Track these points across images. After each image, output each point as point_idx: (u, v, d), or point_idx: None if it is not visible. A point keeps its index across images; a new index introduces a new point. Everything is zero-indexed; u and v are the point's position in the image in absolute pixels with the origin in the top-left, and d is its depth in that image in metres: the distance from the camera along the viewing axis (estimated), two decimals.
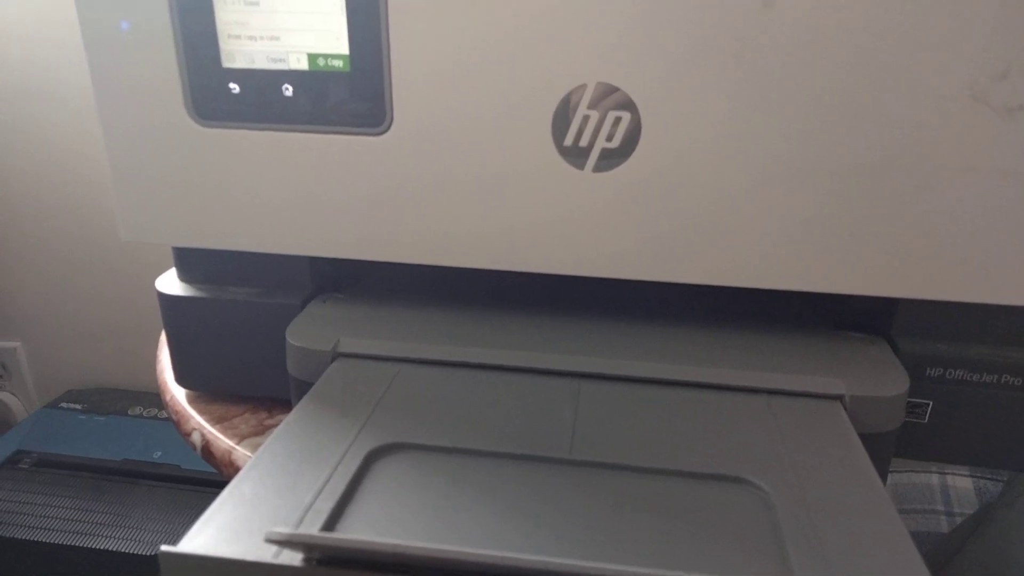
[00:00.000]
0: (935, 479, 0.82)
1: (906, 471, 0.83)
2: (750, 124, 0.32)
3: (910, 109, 0.31)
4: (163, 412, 1.11)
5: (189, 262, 0.41)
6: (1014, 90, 0.30)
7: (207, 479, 0.98)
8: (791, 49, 0.30)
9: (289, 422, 0.29)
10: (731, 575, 0.22)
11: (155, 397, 1.17)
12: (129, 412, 1.14)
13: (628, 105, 0.32)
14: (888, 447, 0.34)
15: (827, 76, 0.31)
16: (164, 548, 0.20)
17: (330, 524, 0.24)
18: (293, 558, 0.21)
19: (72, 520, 0.92)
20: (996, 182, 0.31)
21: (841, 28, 0.30)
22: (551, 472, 0.27)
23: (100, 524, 0.92)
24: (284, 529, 0.20)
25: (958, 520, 0.73)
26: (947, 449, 0.38)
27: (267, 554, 0.21)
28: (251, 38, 0.33)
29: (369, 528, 0.23)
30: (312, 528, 0.23)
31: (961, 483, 0.81)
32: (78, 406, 1.16)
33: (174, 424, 0.43)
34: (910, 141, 0.31)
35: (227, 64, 0.34)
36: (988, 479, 0.81)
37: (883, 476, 0.34)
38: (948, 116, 0.31)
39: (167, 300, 0.40)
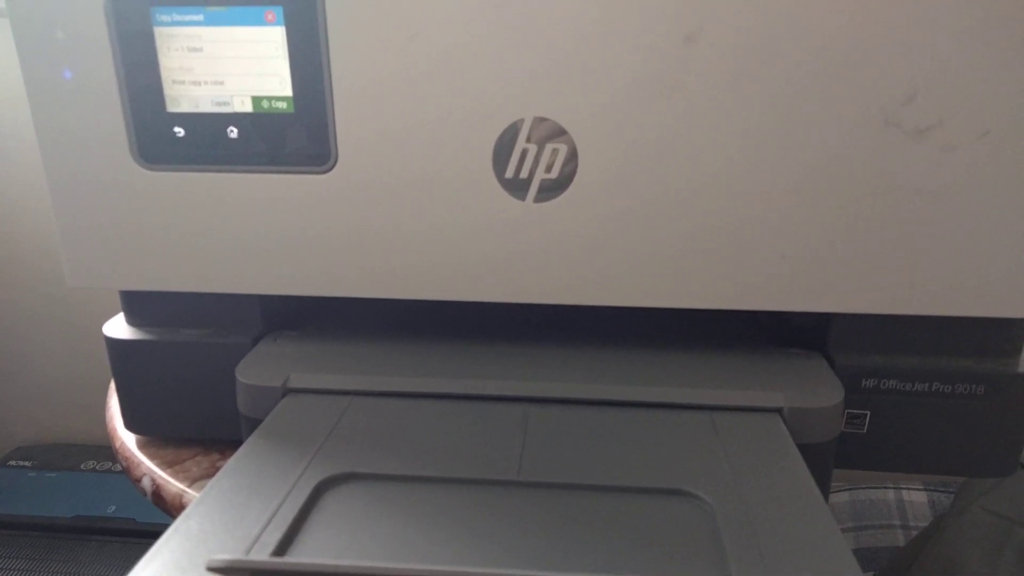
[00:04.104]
0: (891, 494, 0.83)
1: (864, 487, 0.85)
2: (680, 152, 0.33)
3: (830, 134, 0.33)
4: (117, 465, 1.08)
5: (137, 306, 0.41)
6: (922, 113, 0.32)
7: (163, 531, 0.95)
8: (714, 81, 0.32)
9: (237, 457, 0.29)
10: None
11: (109, 450, 1.14)
12: (82, 467, 1.11)
13: (564, 137, 0.33)
14: (828, 457, 0.35)
15: (749, 105, 0.32)
16: None
17: (278, 553, 0.24)
18: None
19: None
20: (912, 199, 0.33)
21: (760, 60, 0.32)
22: (500, 494, 0.28)
23: None
24: (226, 556, 0.20)
25: (914, 534, 0.75)
26: (888, 458, 0.39)
27: None
28: (195, 83, 0.34)
29: (317, 555, 0.23)
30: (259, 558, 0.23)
31: (916, 497, 0.83)
32: (28, 463, 1.12)
33: (125, 471, 0.43)
34: (832, 164, 0.33)
35: (172, 109, 0.35)
36: (941, 492, 0.83)
37: (825, 485, 0.35)
38: (865, 140, 0.33)
39: (115, 344, 0.40)
